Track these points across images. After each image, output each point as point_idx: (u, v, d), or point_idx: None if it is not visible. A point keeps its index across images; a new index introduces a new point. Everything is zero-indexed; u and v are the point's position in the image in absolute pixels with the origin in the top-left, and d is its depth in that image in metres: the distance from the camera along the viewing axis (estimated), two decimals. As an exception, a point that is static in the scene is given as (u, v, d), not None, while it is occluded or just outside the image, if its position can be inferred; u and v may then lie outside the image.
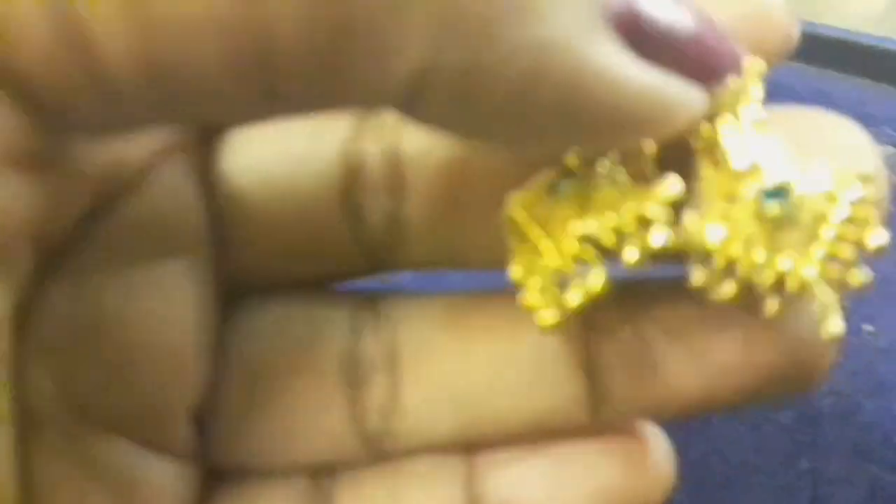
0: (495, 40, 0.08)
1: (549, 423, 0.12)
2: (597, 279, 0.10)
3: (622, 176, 0.11)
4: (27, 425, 0.12)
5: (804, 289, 0.10)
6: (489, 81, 0.09)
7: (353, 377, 0.13)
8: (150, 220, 0.12)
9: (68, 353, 0.12)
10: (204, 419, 0.13)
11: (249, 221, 0.13)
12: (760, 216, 0.10)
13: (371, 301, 0.14)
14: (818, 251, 0.10)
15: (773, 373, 0.12)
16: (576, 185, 0.11)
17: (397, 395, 0.13)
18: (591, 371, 0.12)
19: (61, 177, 0.09)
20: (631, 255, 0.10)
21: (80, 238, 0.12)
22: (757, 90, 0.11)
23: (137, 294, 0.12)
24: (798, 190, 0.10)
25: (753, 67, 0.10)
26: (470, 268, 0.13)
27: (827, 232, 0.10)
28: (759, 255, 0.10)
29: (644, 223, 0.10)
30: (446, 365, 0.13)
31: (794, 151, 0.10)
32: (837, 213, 0.10)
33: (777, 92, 0.42)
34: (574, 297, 0.10)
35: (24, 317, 0.12)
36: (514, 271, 0.11)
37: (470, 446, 0.13)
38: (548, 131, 0.10)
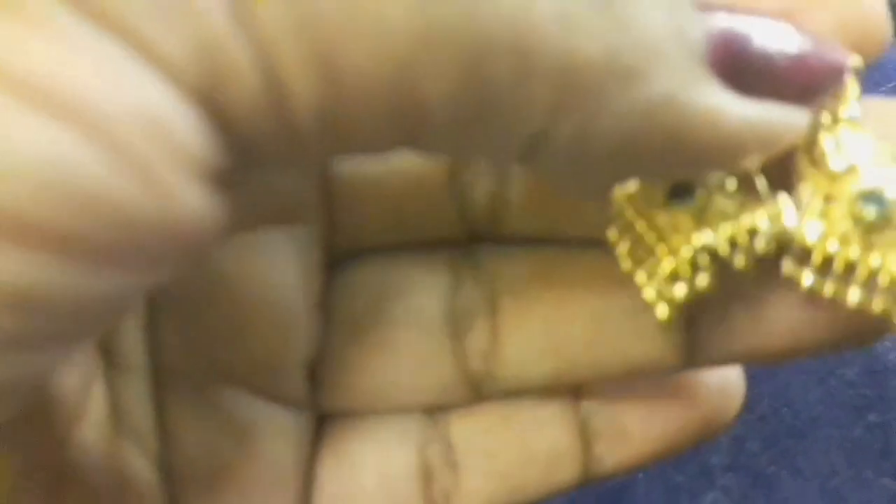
0: (605, 106, 0.09)
1: (644, 370, 0.13)
2: (704, 280, 0.11)
3: (733, 187, 0.11)
4: (160, 377, 0.14)
5: (893, 284, 0.11)
6: (601, 141, 0.10)
7: (455, 326, 0.14)
8: (262, 192, 0.13)
9: (192, 313, 0.13)
10: (316, 370, 0.14)
11: (360, 193, 0.14)
12: (857, 217, 0.11)
13: (469, 254, 0.14)
14: None
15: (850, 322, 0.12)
16: (690, 196, 0.12)
17: (497, 342, 0.14)
18: (688, 321, 0.13)
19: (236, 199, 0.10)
20: (739, 261, 0.11)
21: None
22: (854, 88, 0.11)
23: (251, 259, 0.13)
24: (892, 194, 0.11)
25: (851, 65, 0.11)
26: (565, 243, 0.14)
27: None
28: (853, 253, 0.11)
29: (754, 234, 0.11)
30: (544, 315, 0.13)
31: (887, 149, 0.11)
32: None
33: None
34: (683, 294, 0.11)
35: None
36: (624, 262, 0.12)
37: (569, 389, 0.14)
38: (657, 171, 0.11)
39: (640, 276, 0.12)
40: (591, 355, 0.13)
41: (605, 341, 0.13)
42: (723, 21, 0.10)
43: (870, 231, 0.11)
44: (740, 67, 0.10)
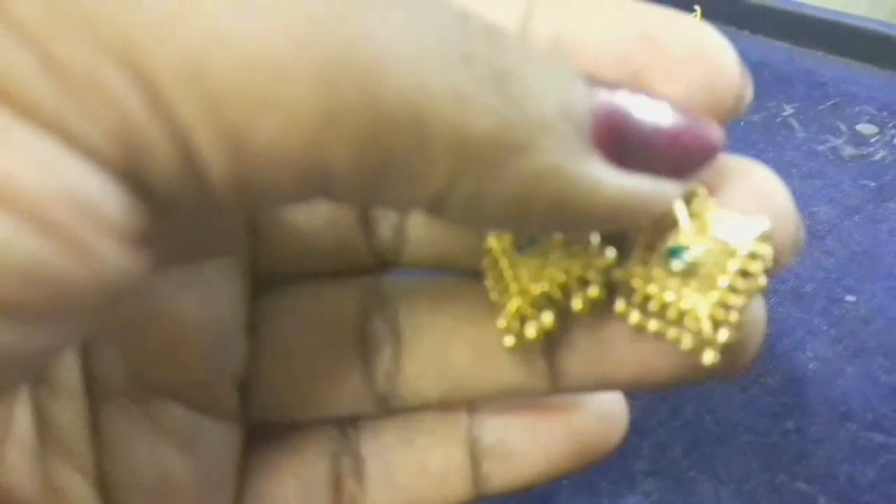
0: (497, 174, 0.11)
1: (517, 393, 0.15)
2: (548, 319, 0.13)
3: (571, 242, 0.13)
4: (96, 394, 0.15)
5: (697, 323, 0.12)
6: (494, 203, 0.11)
7: (365, 348, 0.15)
8: (192, 232, 0.14)
9: (130, 336, 0.15)
10: (245, 386, 0.15)
11: (281, 229, 0.15)
12: (666, 268, 0.12)
13: (377, 284, 0.16)
14: (714, 296, 0.12)
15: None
16: (537, 246, 0.13)
17: (399, 364, 0.15)
18: (548, 353, 0.14)
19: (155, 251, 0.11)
20: (576, 304, 0.13)
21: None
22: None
23: (186, 288, 0.14)
24: (696, 251, 0.12)
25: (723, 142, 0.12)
26: (455, 270, 0.15)
27: (722, 281, 0.12)
28: (668, 296, 0.12)
29: (584, 283, 0.13)
30: (436, 340, 0.15)
31: (719, 209, 0.12)
32: (732, 267, 0.12)
33: (764, 71, 0.44)
34: (531, 332, 0.13)
35: None
36: (491, 294, 0.14)
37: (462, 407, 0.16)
38: (545, 229, 0.13)
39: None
40: (472, 379, 0.15)
41: (483, 366, 0.15)
42: (607, 99, 0.11)
43: (683, 278, 0.12)
44: (620, 143, 0.11)
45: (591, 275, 0.13)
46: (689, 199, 0.12)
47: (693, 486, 0.20)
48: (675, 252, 0.12)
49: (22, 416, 0.14)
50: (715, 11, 0.44)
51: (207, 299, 0.15)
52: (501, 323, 0.13)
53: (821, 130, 0.36)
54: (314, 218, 0.16)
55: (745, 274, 0.12)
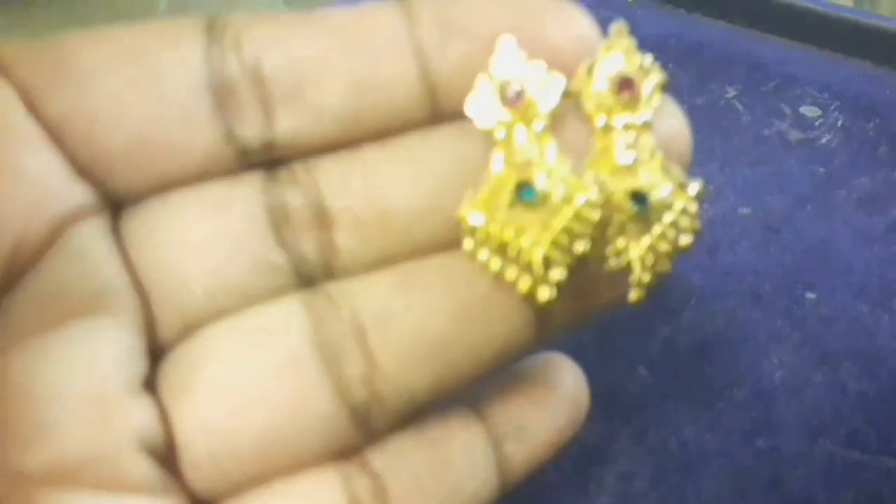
0: None
1: (510, 349, 0.14)
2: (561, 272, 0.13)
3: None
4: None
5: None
6: None
7: (328, 359, 0.14)
8: (61, 287, 0.13)
9: None
10: (170, 452, 0.14)
11: (177, 275, 0.14)
12: (622, 209, 0.13)
13: (314, 291, 0.14)
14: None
15: None
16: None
17: (373, 363, 0.14)
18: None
19: None
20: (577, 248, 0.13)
21: None
22: (656, 96, 0.14)
23: (54, 356, 0.13)
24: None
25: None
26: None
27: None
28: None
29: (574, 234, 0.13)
30: (412, 323, 0.14)
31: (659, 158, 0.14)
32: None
33: (705, 51, 0.41)
34: (562, 276, 0.13)
35: None
36: (493, 264, 0.13)
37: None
38: None
39: (511, 272, 0.13)
40: (463, 347, 0.14)
41: (472, 331, 0.14)
42: None
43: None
44: None
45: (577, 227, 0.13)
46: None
47: (664, 522, 0.18)
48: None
49: None
50: (651, -14, 0.43)
51: (84, 367, 0.13)
52: (524, 282, 0.13)
53: (765, 113, 0.35)
54: (219, 250, 0.14)
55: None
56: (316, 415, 0.14)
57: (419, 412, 0.15)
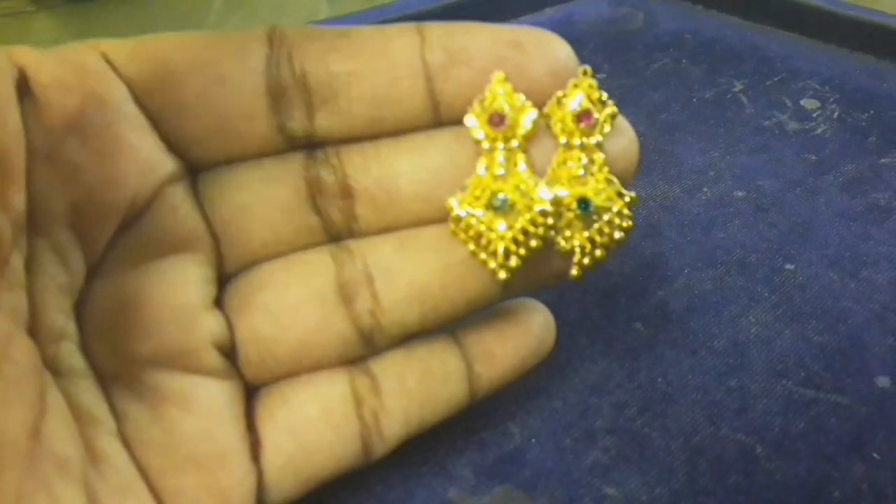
0: None
1: (481, 301, 0.19)
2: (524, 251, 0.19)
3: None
4: (101, 376, 0.18)
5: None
6: None
7: (345, 295, 0.19)
8: (160, 231, 0.18)
9: (112, 324, 0.17)
10: (232, 350, 0.19)
11: (242, 224, 0.19)
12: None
13: (339, 245, 0.19)
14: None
15: None
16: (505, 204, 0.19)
17: (377, 301, 0.19)
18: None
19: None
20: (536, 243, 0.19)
21: (113, 248, 0.17)
22: (608, 122, 0.19)
23: (157, 278, 0.18)
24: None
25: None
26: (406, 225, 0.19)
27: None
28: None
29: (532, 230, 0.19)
30: (408, 273, 0.19)
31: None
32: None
33: (717, 46, 0.47)
34: (517, 264, 0.19)
35: (81, 304, 0.17)
36: (471, 245, 0.19)
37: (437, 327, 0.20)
38: None
39: (482, 255, 0.19)
40: (444, 296, 0.19)
41: (451, 285, 0.19)
42: None
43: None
44: None
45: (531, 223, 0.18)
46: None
47: (647, 440, 0.23)
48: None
49: (54, 393, 0.16)
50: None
51: (174, 284, 0.18)
52: (491, 263, 0.19)
53: (768, 106, 0.38)
54: (268, 208, 0.19)
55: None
56: (334, 333, 0.19)
57: (410, 337, 0.19)
